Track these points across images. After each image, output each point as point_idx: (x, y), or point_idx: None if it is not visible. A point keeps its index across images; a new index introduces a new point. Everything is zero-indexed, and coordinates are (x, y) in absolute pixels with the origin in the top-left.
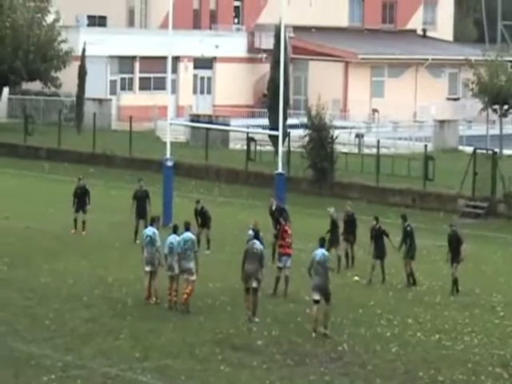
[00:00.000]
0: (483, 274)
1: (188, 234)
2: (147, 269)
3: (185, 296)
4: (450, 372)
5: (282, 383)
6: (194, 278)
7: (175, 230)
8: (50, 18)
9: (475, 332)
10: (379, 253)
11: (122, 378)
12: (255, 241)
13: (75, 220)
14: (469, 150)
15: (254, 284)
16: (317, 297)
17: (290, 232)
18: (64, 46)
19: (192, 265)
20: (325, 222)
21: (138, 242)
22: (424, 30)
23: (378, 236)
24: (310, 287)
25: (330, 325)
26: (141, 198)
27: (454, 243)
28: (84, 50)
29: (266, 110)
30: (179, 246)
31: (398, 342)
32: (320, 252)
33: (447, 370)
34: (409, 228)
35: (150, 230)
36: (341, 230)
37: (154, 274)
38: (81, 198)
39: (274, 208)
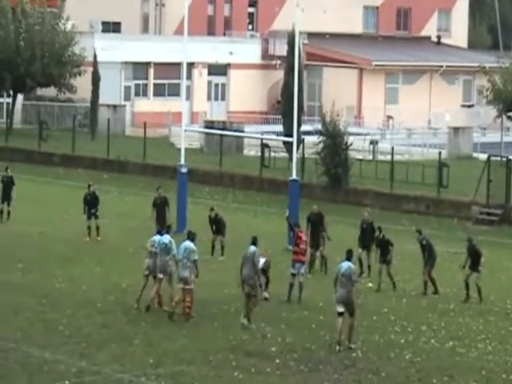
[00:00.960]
0: (498, 280)
1: (189, 243)
2: (160, 276)
3: (187, 310)
4: (463, 379)
5: None
6: (190, 286)
7: (189, 237)
8: (67, 25)
9: (489, 339)
10: (384, 258)
11: None
12: (251, 246)
13: (89, 227)
14: (483, 157)
15: (247, 289)
16: (341, 309)
17: (304, 238)
18: (77, 51)
19: (187, 274)
20: (339, 229)
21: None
22: (438, 37)
23: (382, 245)
24: (334, 299)
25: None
26: (160, 205)
27: (473, 256)
28: (95, 56)
29: (280, 117)
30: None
31: (412, 349)
32: (346, 264)
33: (461, 378)
34: (424, 242)
35: (167, 238)
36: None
37: (168, 282)
38: (91, 205)
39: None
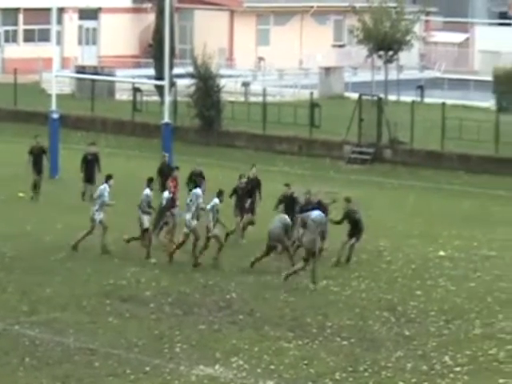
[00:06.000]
0: (370, 219)
1: (103, 185)
2: None
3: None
4: (337, 317)
5: (171, 333)
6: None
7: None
8: None
9: (362, 277)
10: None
11: (9, 333)
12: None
13: None
14: (354, 96)
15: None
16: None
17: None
18: None
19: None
20: (214, 172)
21: (20, 194)
22: None
23: (244, 194)
24: None
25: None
26: (37, 155)
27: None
28: None
29: (151, 60)
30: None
31: (286, 289)
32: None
33: (335, 316)
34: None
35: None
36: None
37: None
38: None
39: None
